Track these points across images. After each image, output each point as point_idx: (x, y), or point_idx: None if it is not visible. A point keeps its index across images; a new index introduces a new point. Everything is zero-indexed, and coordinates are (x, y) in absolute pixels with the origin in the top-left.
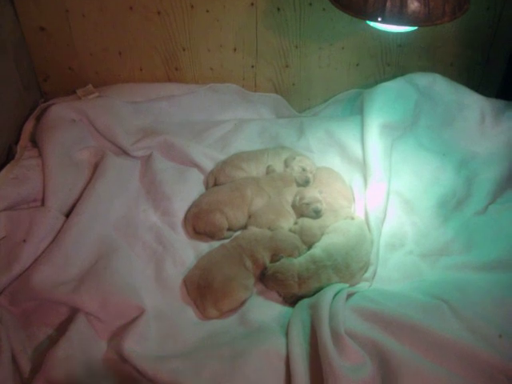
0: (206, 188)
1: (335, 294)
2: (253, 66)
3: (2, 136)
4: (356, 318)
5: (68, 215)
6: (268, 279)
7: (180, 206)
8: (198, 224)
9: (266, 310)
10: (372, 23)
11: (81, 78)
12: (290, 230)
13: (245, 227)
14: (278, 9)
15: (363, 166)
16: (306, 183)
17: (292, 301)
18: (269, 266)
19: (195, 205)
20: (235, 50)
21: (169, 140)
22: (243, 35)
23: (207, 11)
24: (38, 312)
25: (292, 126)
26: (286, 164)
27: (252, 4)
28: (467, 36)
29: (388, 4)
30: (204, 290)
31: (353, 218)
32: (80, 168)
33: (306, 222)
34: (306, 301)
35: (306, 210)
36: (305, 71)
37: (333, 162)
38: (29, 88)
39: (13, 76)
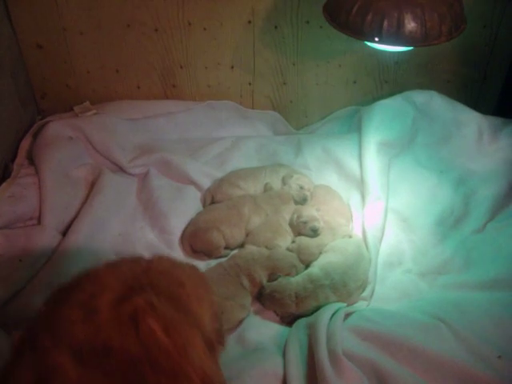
0: (203, 206)
1: (333, 314)
2: (250, 83)
3: None
4: (354, 338)
5: (65, 233)
6: (265, 298)
7: (177, 224)
8: (195, 242)
9: (263, 329)
10: (369, 43)
11: (78, 95)
12: (288, 249)
13: (242, 245)
14: (276, 26)
15: (361, 184)
16: (303, 201)
17: (289, 320)
18: (266, 285)
19: (192, 223)
20: (232, 67)
21: (166, 157)
22: (240, 53)
23: (204, 29)
24: None
25: (289, 143)
26: (284, 182)
27: (249, 22)
28: (464, 53)
29: (385, 24)
30: None
31: (350, 237)
32: (77, 185)
33: (304, 240)
34: (303, 320)
35: (303, 229)
36: (302, 88)
37: (330, 179)
38: (26, 105)
39: (10, 93)
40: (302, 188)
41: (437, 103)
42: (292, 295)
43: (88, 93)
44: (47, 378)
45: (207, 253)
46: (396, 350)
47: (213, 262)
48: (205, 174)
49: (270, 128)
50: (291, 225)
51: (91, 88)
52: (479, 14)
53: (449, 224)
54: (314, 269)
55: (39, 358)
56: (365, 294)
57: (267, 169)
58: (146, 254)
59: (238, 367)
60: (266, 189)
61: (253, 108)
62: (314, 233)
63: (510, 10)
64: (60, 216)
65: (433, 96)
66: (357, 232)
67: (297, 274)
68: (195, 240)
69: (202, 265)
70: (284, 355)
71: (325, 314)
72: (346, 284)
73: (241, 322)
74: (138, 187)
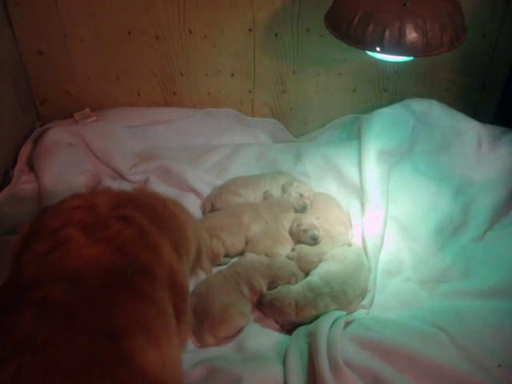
0: (203, 213)
1: (333, 322)
2: (250, 91)
3: None
4: (354, 346)
5: None
6: (265, 307)
7: None
8: None
9: (263, 337)
10: (370, 52)
11: (78, 102)
12: (288, 257)
13: (242, 253)
14: (276, 35)
15: (360, 192)
16: (303, 209)
17: (289, 328)
18: (266, 293)
19: None
20: (233, 75)
21: (166, 164)
22: (241, 60)
23: (205, 36)
24: None
25: (289, 151)
26: (284, 190)
27: (250, 30)
28: (463, 63)
29: (386, 34)
30: (201, 317)
31: (350, 245)
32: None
33: (304, 248)
34: (303, 328)
35: (303, 237)
36: (302, 96)
37: (330, 187)
38: (26, 111)
39: (10, 99)
40: (301, 196)
41: (436, 112)
42: (292, 303)
43: (88, 99)
44: (61, 243)
45: None
46: (396, 359)
47: (213, 270)
48: (204, 181)
49: (269, 136)
50: (291, 233)
51: (91, 94)
52: (478, 24)
53: (448, 232)
54: (314, 277)
55: (51, 233)
56: (364, 302)
57: (267, 176)
58: None
59: (238, 375)
60: (266, 197)
61: (253, 116)
62: (314, 241)
63: (508, 19)
64: None
65: (432, 104)
66: (356, 240)
67: (296, 282)
68: None
69: (202, 273)
70: (284, 363)
71: (325, 323)
72: (346, 292)
73: (241, 329)
74: None
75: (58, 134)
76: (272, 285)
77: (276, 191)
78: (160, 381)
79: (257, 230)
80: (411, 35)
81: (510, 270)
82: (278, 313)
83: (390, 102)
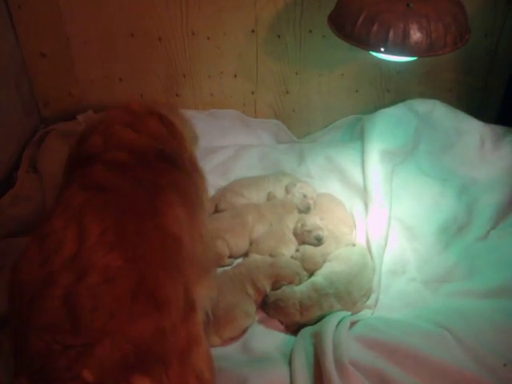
0: (207, 215)
1: (338, 323)
2: (253, 92)
3: (2, 161)
4: (360, 347)
5: None
6: (269, 307)
7: None
8: None
9: (268, 338)
10: (375, 53)
11: (81, 104)
12: (292, 258)
13: (246, 254)
14: (279, 36)
15: (364, 192)
16: (307, 210)
17: (294, 329)
18: (270, 294)
19: None
20: (236, 76)
21: None
22: (244, 62)
23: (208, 38)
24: None
25: (292, 151)
26: (287, 190)
27: (252, 31)
28: (466, 62)
29: (391, 35)
30: (205, 317)
31: (354, 245)
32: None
33: (308, 249)
34: (308, 329)
35: (307, 237)
36: (305, 97)
37: (333, 188)
38: (29, 113)
39: (13, 101)
40: (305, 197)
41: (439, 112)
42: (296, 304)
43: (91, 101)
44: (112, 133)
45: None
46: (402, 359)
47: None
48: (208, 182)
49: (272, 136)
50: (295, 234)
51: (94, 97)
52: (480, 24)
53: (452, 232)
54: (318, 278)
55: (103, 130)
56: (369, 302)
57: (270, 177)
58: None
59: (243, 376)
60: (270, 197)
61: (256, 117)
62: (318, 241)
63: (510, 19)
64: None
65: (435, 104)
66: (360, 240)
67: (300, 281)
68: None
69: None
70: (290, 364)
71: (330, 323)
72: (351, 293)
73: (246, 329)
74: None
75: (61, 136)
76: (276, 285)
77: (279, 192)
78: (180, 239)
79: (261, 230)
80: (415, 35)
81: None
82: (283, 313)
83: (393, 103)
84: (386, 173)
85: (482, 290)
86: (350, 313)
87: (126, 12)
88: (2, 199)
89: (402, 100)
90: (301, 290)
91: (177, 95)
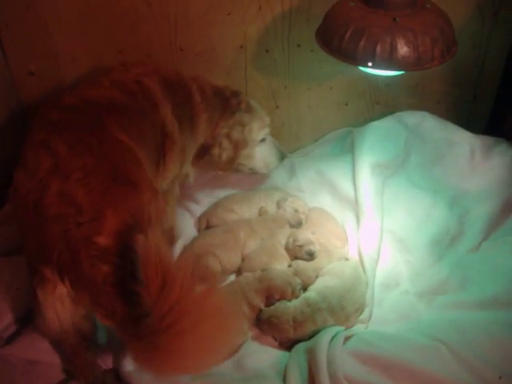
0: (198, 231)
1: (332, 338)
2: None
3: None
4: (354, 362)
5: None
6: (263, 324)
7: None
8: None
9: (262, 355)
10: (362, 68)
11: None
12: None
13: (239, 270)
14: (267, 50)
15: (355, 206)
16: (298, 224)
17: (288, 345)
18: (263, 310)
19: (188, 248)
20: None
21: None
22: (233, 77)
23: (197, 54)
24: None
25: (283, 166)
26: (279, 205)
27: (241, 46)
28: (454, 74)
29: (378, 49)
30: None
31: (347, 259)
32: None
33: (300, 264)
34: (302, 345)
35: (299, 252)
36: (294, 111)
37: (324, 201)
38: (18, 132)
39: (2, 120)
40: (296, 211)
41: (429, 124)
42: (290, 320)
43: None
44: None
45: (203, 278)
46: (397, 374)
47: None
48: (199, 199)
49: None
50: (287, 249)
51: None
52: (468, 35)
53: (445, 244)
54: (311, 293)
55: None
56: (363, 316)
57: (261, 192)
58: None
59: None
60: (261, 213)
61: None
62: (310, 256)
63: (497, 30)
64: None
65: (424, 116)
66: (353, 254)
67: (294, 291)
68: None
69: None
70: (284, 381)
71: (324, 338)
72: (344, 307)
73: (239, 347)
74: None
75: None
76: (270, 300)
77: (271, 207)
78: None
79: (253, 246)
80: (403, 50)
81: (508, 279)
82: (276, 330)
83: (383, 115)
84: (377, 186)
85: (475, 301)
86: (343, 327)
87: (114, 28)
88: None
89: (392, 112)
90: (294, 305)
91: None
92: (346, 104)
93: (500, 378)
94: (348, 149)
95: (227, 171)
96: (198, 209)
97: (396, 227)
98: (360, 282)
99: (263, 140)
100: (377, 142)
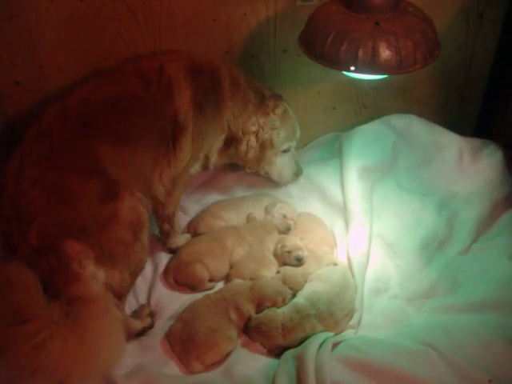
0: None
1: (320, 344)
2: None
3: None
4: (342, 368)
5: None
6: (252, 331)
7: (161, 258)
8: (179, 276)
9: (250, 362)
10: (346, 72)
11: None
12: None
13: (228, 277)
14: (253, 56)
15: (344, 210)
16: (287, 230)
17: (277, 352)
18: (252, 317)
19: (175, 256)
20: None
21: None
22: None
23: None
24: None
25: None
26: (267, 211)
27: (226, 52)
28: (441, 77)
29: (360, 53)
30: (187, 343)
31: (335, 264)
32: None
33: (289, 270)
34: (291, 352)
35: (287, 258)
36: None
37: (313, 207)
38: (6, 144)
39: None
40: (285, 217)
41: (416, 127)
42: (278, 327)
43: None
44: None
45: (191, 286)
46: (386, 380)
47: (198, 295)
48: (186, 207)
49: None
50: (275, 255)
51: None
52: (453, 38)
53: (433, 247)
54: (300, 299)
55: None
56: (352, 322)
57: (250, 199)
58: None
59: None
60: (249, 219)
61: None
62: (299, 262)
63: (482, 33)
64: None
65: (412, 120)
66: (342, 259)
67: (284, 300)
68: (179, 274)
69: (187, 298)
70: None
71: (312, 345)
72: (333, 313)
73: (228, 354)
74: None
75: None
76: (260, 308)
77: (259, 213)
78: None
79: (241, 253)
80: (384, 53)
81: (497, 282)
82: (265, 337)
83: (370, 118)
84: (366, 190)
85: (464, 304)
86: (332, 333)
87: (98, 37)
88: None
89: (380, 116)
90: (283, 312)
91: None
92: (334, 108)
93: (490, 381)
94: (337, 153)
95: (253, 170)
96: (186, 216)
97: (385, 231)
98: (349, 287)
99: (286, 151)
100: (365, 146)
